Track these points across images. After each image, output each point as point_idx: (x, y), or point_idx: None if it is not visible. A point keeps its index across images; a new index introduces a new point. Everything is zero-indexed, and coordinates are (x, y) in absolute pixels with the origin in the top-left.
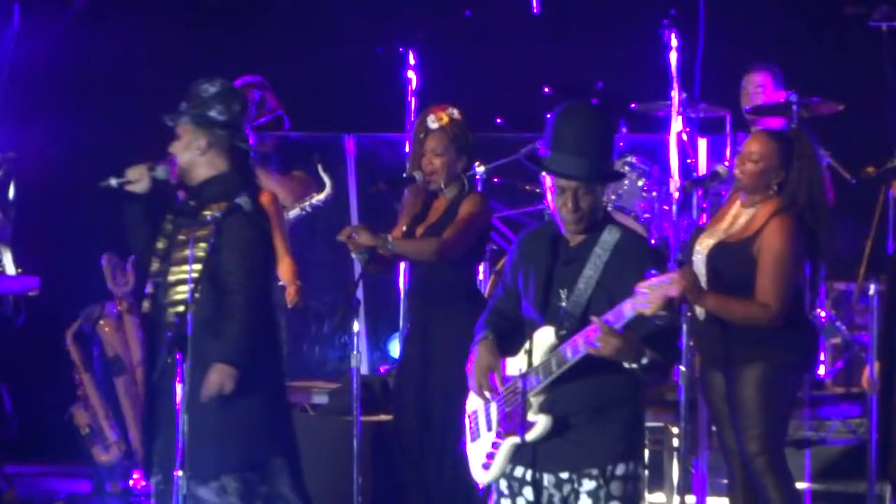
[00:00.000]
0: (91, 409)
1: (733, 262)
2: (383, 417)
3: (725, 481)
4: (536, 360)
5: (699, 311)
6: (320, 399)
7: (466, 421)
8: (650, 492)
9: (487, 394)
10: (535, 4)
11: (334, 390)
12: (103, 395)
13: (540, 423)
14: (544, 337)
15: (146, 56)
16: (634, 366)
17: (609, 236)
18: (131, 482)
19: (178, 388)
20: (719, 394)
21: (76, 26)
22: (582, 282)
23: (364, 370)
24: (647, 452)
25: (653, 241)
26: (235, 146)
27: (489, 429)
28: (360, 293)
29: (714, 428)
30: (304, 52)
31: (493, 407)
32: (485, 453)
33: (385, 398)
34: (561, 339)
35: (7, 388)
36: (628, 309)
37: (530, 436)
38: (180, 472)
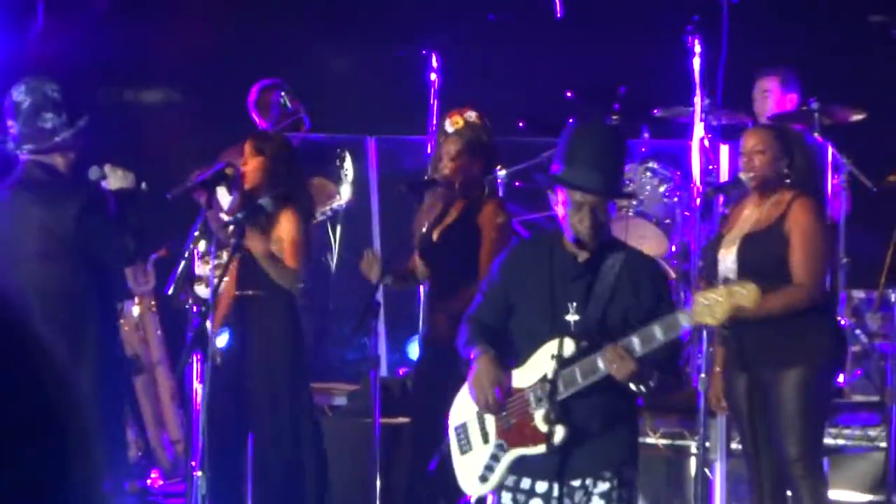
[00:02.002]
0: None
1: (763, 249)
2: (402, 420)
3: (744, 488)
4: (551, 373)
5: None
6: (340, 401)
7: (452, 434)
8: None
9: (494, 407)
10: (558, 8)
11: (353, 392)
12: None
13: (557, 433)
14: (561, 349)
15: (168, 58)
16: (642, 388)
17: (616, 254)
18: (149, 481)
19: (197, 387)
20: (749, 399)
21: (99, 27)
22: (594, 297)
23: (383, 372)
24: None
25: (674, 248)
26: None
27: (486, 441)
28: (379, 296)
29: (735, 434)
30: (326, 54)
31: (490, 419)
32: (482, 465)
33: (404, 400)
34: (582, 351)
35: None
36: (679, 323)
37: (544, 447)
38: (199, 473)
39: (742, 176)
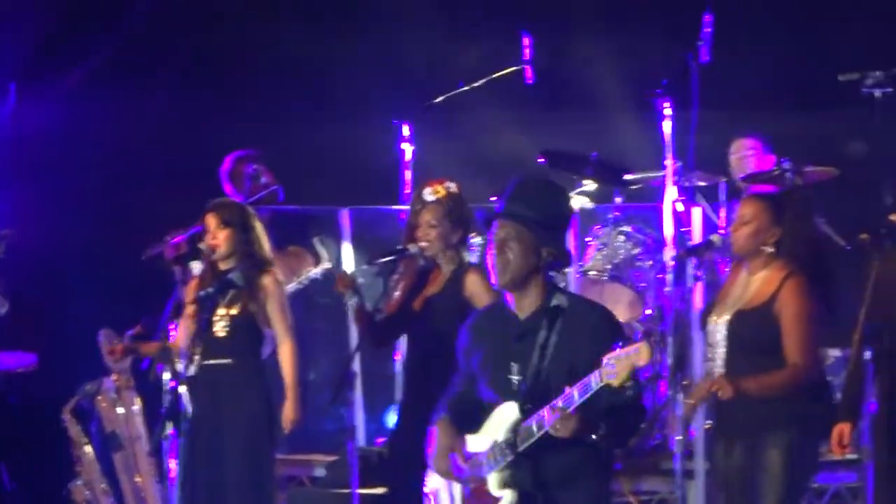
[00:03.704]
0: (89, 485)
1: (753, 328)
2: (380, 490)
3: None
4: (500, 437)
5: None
6: (318, 472)
7: (430, 499)
8: None
9: (450, 474)
10: (528, 74)
11: (332, 463)
12: (101, 470)
13: (505, 498)
14: (508, 413)
15: (143, 129)
16: (593, 438)
17: (558, 308)
18: None
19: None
20: (732, 462)
21: (72, 100)
22: (536, 354)
23: (361, 442)
24: None
25: (648, 311)
26: None
27: None
28: (356, 365)
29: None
30: (298, 126)
31: (457, 486)
32: None
33: (382, 470)
34: (526, 414)
35: (6, 465)
36: (595, 380)
37: None
38: None
39: (714, 238)
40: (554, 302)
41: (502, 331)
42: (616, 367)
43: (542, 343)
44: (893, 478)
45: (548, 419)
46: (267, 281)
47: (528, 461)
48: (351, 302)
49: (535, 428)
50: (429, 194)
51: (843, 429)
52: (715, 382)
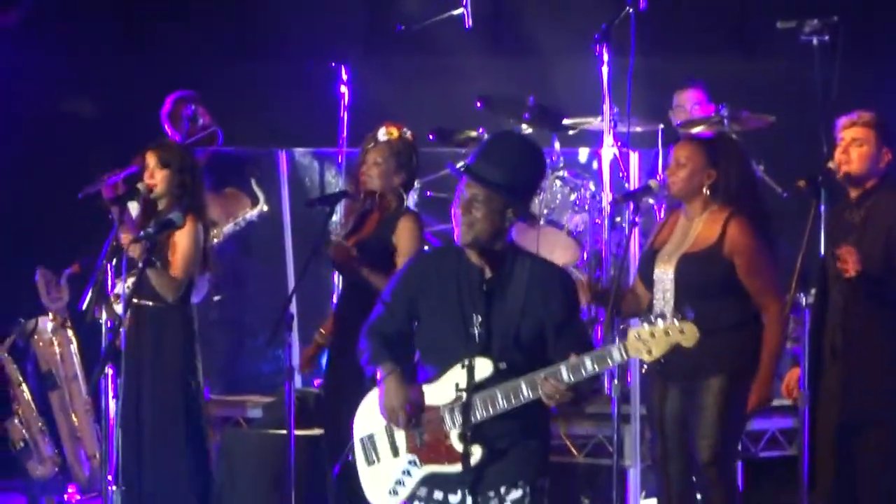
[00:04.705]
0: (25, 423)
1: (702, 271)
2: (317, 431)
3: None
4: (470, 392)
5: None
6: (255, 413)
7: (357, 444)
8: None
9: (406, 425)
10: (467, 19)
11: (268, 404)
12: (38, 409)
13: (475, 453)
14: (482, 369)
15: (78, 73)
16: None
17: (523, 265)
18: (66, 496)
19: (112, 404)
20: (668, 406)
21: (5, 42)
22: (504, 311)
23: (298, 384)
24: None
25: (585, 256)
26: None
27: (395, 455)
28: (293, 307)
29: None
30: (236, 68)
31: (400, 433)
32: (392, 479)
33: (318, 412)
34: (500, 372)
35: None
36: (618, 353)
37: (461, 465)
38: (114, 488)
39: (651, 183)
40: (518, 261)
41: (464, 281)
42: (651, 344)
43: (510, 300)
44: (826, 419)
45: (547, 387)
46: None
47: (493, 417)
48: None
49: (525, 390)
50: (383, 134)
51: (792, 373)
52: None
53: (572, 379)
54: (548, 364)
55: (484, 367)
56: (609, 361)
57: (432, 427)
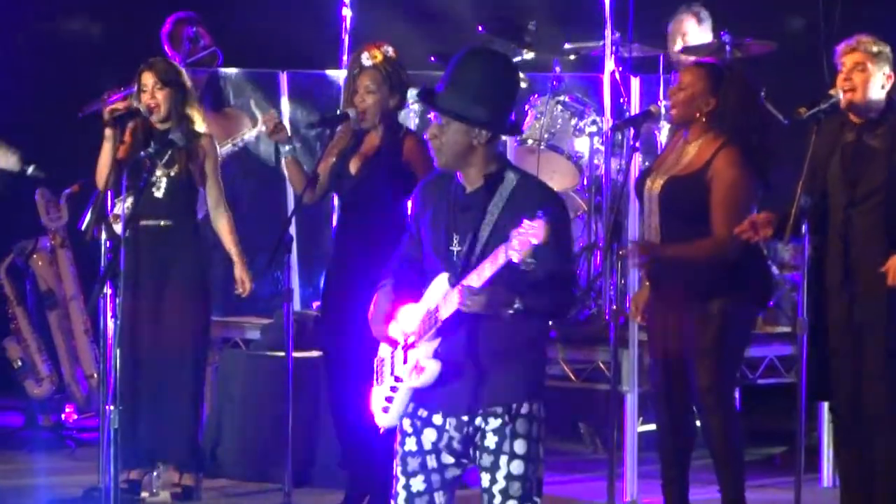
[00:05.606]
0: (23, 342)
1: (686, 195)
2: (315, 353)
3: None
4: (431, 307)
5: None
6: (253, 334)
7: (376, 365)
8: (583, 423)
9: (388, 340)
10: None
11: (266, 326)
12: (36, 329)
13: (428, 368)
14: (440, 284)
15: None
16: (510, 312)
17: (506, 182)
18: (63, 416)
19: (111, 324)
20: (667, 331)
21: None
22: (479, 228)
23: (297, 306)
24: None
25: (585, 181)
26: None
27: (392, 373)
28: (292, 229)
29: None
30: None
31: (398, 352)
32: (384, 397)
33: (317, 334)
34: (453, 286)
35: None
36: (501, 255)
37: (418, 381)
38: (111, 407)
39: (652, 108)
40: (503, 178)
41: (449, 200)
42: (517, 242)
43: (485, 216)
44: (824, 345)
45: (460, 293)
46: (205, 141)
47: (457, 334)
48: (286, 149)
49: (451, 300)
50: (366, 59)
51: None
52: (631, 248)
53: (479, 281)
54: None
55: (441, 282)
56: (497, 260)
57: (408, 344)
